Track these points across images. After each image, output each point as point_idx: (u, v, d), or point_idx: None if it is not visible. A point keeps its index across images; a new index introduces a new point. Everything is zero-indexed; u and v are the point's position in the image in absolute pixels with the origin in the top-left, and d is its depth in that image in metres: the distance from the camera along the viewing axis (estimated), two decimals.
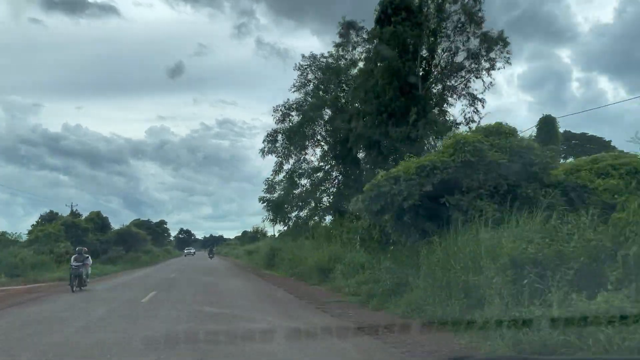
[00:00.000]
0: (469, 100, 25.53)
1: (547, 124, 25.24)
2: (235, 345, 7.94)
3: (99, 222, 45.96)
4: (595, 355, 5.60)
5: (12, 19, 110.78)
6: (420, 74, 23.93)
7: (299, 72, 31.97)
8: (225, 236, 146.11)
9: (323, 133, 32.25)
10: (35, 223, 52.22)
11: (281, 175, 32.67)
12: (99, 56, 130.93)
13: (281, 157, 32.46)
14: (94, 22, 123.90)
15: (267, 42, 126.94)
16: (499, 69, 24.42)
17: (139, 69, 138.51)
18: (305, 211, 32.38)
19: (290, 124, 32.12)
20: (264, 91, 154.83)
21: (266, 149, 32.52)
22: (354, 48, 28.69)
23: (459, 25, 24.11)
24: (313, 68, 31.86)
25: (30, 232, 39.76)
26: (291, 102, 32.19)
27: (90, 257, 20.79)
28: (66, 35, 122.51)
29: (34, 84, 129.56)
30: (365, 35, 27.45)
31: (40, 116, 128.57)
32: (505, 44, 23.99)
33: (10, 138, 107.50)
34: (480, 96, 25.33)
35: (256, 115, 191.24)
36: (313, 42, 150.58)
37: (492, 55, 24.26)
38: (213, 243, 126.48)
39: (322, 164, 32.15)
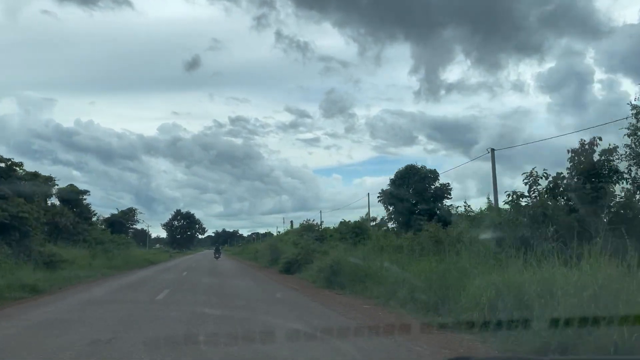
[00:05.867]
0: None
1: None
2: None
3: None
4: (594, 356, 5.57)
5: (24, 12, 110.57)
6: None
7: None
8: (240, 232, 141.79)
9: None
10: None
11: None
12: (111, 50, 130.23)
13: None
14: (107, 15, 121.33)
15: (286, 35, 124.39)
16: None
17: (151, 65, 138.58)
18: None
19: None
20: (277, 88, 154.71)
21: None
22: None
23: None
24: None
25: None
26: None
27: None
28: (79, 28, 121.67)
29: (47, 78, 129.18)
30: None
31: (53, 111, 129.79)
32: None
33: (23, 132, 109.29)
34: None
35: (269, 113, 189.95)
36: (334, 35, 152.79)
37: None
38: (222, 241, 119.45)
39: None
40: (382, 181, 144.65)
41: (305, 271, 23.90)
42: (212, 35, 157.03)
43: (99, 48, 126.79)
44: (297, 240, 38.37)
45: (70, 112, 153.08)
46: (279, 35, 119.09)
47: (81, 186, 47.97)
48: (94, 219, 44.41)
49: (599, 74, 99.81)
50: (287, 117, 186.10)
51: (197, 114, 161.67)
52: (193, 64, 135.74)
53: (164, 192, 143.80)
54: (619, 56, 77.61)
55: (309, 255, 25.42)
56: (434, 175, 34.74)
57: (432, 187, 33.97)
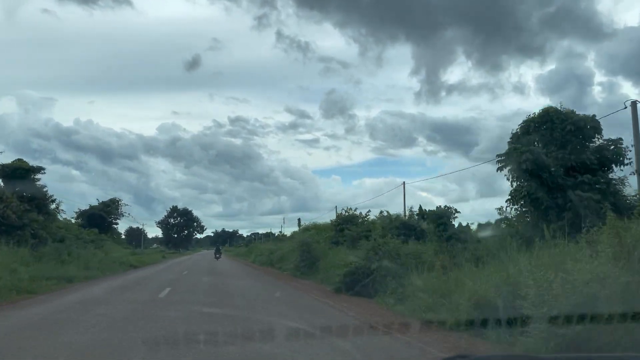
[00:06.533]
0: None
1: None
2: None
3: None
4: (594, 353, 5.48)
5: (24, 10, 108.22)
6: None
7: None
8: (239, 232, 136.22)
9: None
10: None
11: None
12: (111, 50, 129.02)
13: None
14: (107, 15, 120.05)
15: (287, 35, 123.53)
16: None
17: (151, 64, 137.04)
18: None
19: None
20: (277, 89, 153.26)
21: None
22: None
23: None
24: None
25: None
26: None
27: None
28: (79, 28, 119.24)
29: (46, 77, 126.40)
30: None
31: (52, 110, 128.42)
32: None
33: (23, 131, 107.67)
34: None
35: (269, 113, 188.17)
36: (334, 36, 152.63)
37: None
38: (222, 241, 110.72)
39: None
40: (383, 182, 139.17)
41: (391, 295, 12.54)
42: (212, 35, 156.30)
43: (99, 47, 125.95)
44: (334, 237, 27.16)
45: (70, 112, 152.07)
46: (279, 35, 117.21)
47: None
48: (52, 206, 32.67)
49: (599, 77, 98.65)
50: (286, 118, 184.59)
51: (196, 114, 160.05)
52: (193, 64, 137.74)
53: (163, 192, 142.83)
54: (619, 59, 76.90)
55: (392, 263, 14.04)
56: (593, 125, 17.46)
57: (591, 145, 16.28)
